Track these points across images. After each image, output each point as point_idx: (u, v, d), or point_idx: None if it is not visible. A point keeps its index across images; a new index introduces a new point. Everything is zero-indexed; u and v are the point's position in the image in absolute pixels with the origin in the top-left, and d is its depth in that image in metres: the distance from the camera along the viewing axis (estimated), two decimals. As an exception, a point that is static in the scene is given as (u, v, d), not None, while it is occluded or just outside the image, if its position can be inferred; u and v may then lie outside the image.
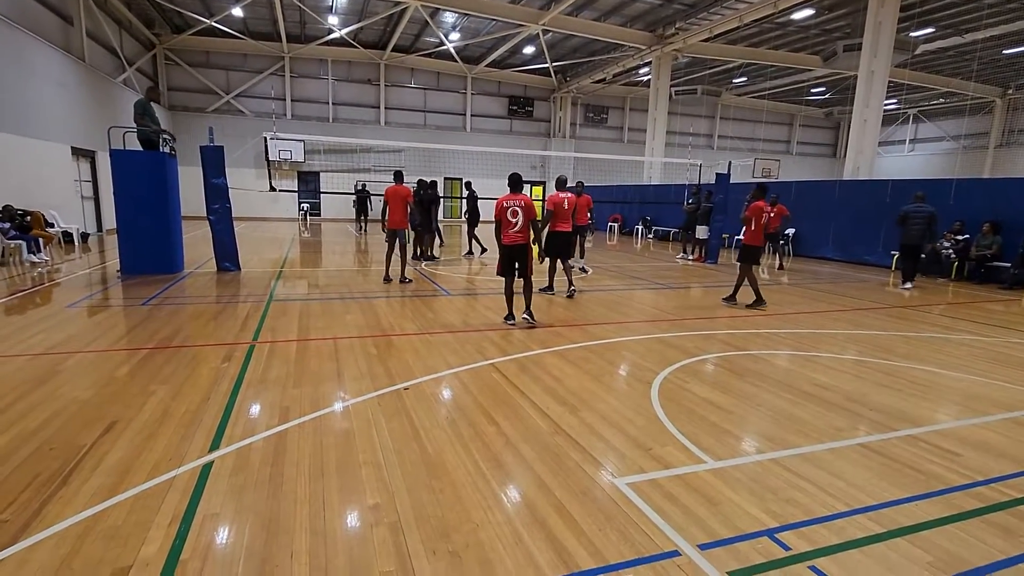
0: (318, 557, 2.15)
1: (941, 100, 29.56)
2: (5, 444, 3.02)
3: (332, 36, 23.11)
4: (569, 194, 7.67)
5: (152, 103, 9.04)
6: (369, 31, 23.42)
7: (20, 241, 9.90)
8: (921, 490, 2.77)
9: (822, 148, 36.49)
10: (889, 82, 14.80)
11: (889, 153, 33.74)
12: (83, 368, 4.33)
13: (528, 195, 6.13)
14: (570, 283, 8.00)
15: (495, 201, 6.05)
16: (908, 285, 9.85)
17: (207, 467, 2.81)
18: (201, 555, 2.15)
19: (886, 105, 16.08)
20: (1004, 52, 22.02)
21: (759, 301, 7.53)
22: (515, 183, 6.10)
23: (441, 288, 8.62)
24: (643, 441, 3.28)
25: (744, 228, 7.53)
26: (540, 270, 7.72)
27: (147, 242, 8.86)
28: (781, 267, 12.40)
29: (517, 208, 5.87)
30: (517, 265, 6.01)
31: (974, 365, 5.12)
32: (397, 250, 8.66)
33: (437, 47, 24.60)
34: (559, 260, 7.86)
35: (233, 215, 9.75)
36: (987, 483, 2.87)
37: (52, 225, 12.13)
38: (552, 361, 4.88)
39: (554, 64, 25.72)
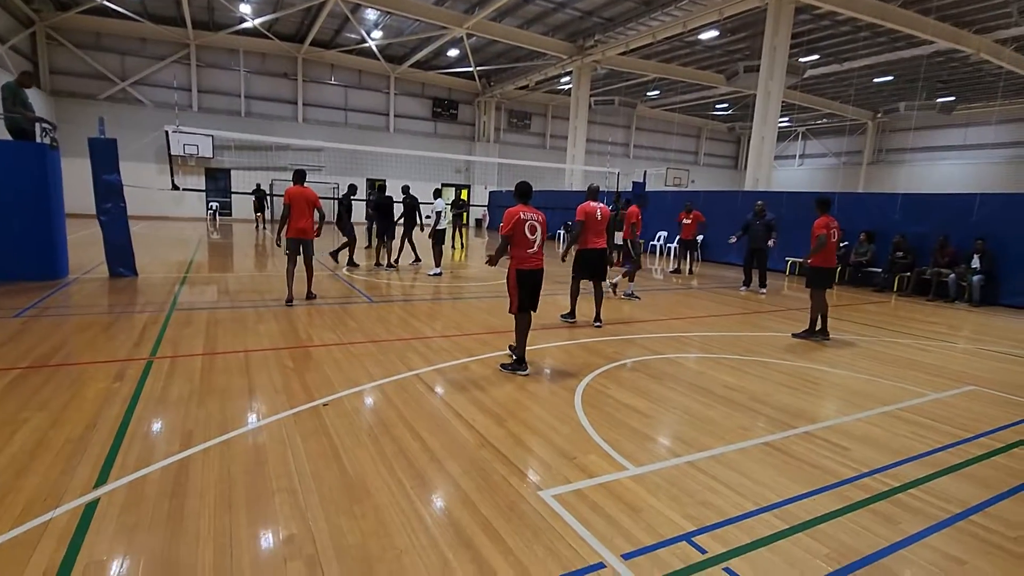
0: (225, 599, 1.98)
1: (824, 120, 32.77)
2: None
3: (244, 25, 21.75)
4: (601, 204, 6.68)
5: (24, 88, 8.04)
6: (285, 22, 22.30)
7: None
8: (817, 484, 3.02)
9: (725, 160, 39.27)
10: (783, 102, 16.19)
11: (783, 166, 36.89)
12: (-64, 394, 3.74)
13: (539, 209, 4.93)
14: (598, 315, 6.87)
15: (504, 212, 4.79)
16: (762, 291, 10.28)
17: (91, 506, 2.51)
18: (85, 609, 1.91)
19: (780, 123, 17.67)
20: (875, 80, 24.79)
21: (824, 332, 6.60)
22: (525, 193, 4.86)
23: (364, 294, 8.33)
24: (568, 450, 3.33)
25: (813, 247, 6.41)
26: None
27: (22, 244, 7.86)
28: (691, 271, 13.16)
29: (536, 223, 4.73)
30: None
31: (856, 363, 5.69)
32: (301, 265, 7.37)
33: (359, 44, 23.87)
34: (593, 283, 6.82)
35: (130, 214, 8.91)
36: (871, 474, 3.18)
37: None
38: (477, 370, 4.85)
39: (478, 68, 25.81)
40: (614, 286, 9.34)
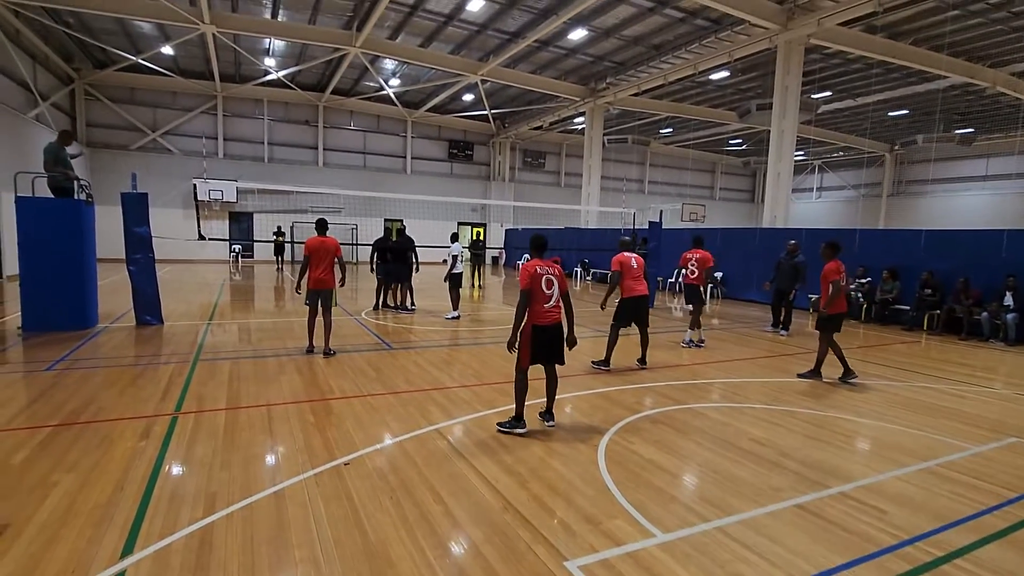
0: None
1: (841, 153, 32.77)
2: None
3: (269, 77, 22.77)
4: (636, 254, 6.93)
5: (65, 147, 8.47)
6: (307, 73, 23.29)
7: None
8: (856, 554, 2.90)
9: (742, 194, 39.28)
10: (797, 137, 16.28)
11: (800, 199, 36.78)
12: (-30, 455, 3.83)
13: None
14: (644, 357, 7.16)
15: (521, 267, 4.73)
16: (784, 332, 10.05)
17: (119, 579, 2.51)
18: None
19: (796, 156, 17.76)
20: (889, 114, 24.84)
21: (849, 371, 6.58)
22: (541, 247, 4.79)
23: (382, 340, 8.39)
24: (593, 514, 3.26)
25: (826, 295, 6.45)
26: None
27: (56, 295, 8.13)
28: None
29: (552, 278, 4.62)
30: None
31: (889, 412, 5.51)
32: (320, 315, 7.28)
33: (377, 91, 24.77)
34: (639, 328, 7.00)
35: (157, 259, 9.20)
36: (912, 541, 3.04)
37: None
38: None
39: (493, 111, 26.51)
40: (694, 342, 8.70)
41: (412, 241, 11.32)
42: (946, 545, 3.02)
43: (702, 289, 8.86)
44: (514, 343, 4.59)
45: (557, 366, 4.77)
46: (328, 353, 7.22)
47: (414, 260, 11.25)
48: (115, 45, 19.44)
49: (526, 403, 4.65)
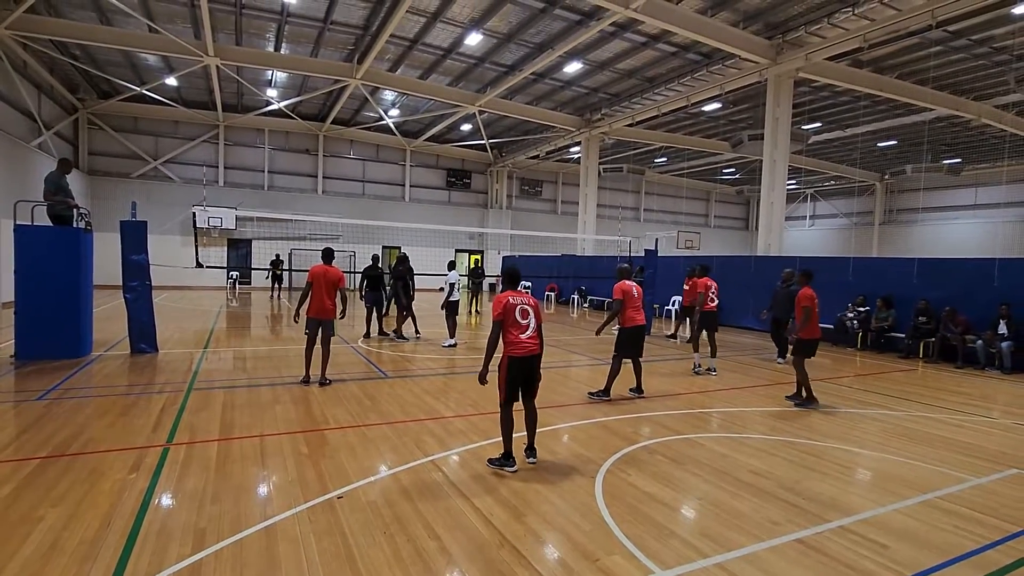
0: None
1: (832, 182, 33.28)
2: None
3: (270, 107, 23.15)
4: (635, 284, 6.94)
5: (65, 176, 8.54)
6: (308, 104, 23.70)
7: None
8: (857, 591, 2.84)
9: (736, 221, 39.71)
10: (789, 166, 16.57)
11: (793, 227, 37.16)
12: (-45, 488, 3.75)
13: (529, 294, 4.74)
14: (639, 384, 7.11)
15: (492, 300, 4.65)
16: (780, 360, 10.11)
17: (103, 620, 2.44)
18: None
19: (788, 185, 18.06)
20: (878, 144, 25.35)
21: (811, 399, 6.79)
22: (514, 279, 4.68)
23: (378, 369, 8.34)
24: (590, 550, 3.20)
25: (799, 320, 6.68)
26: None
27: (50, 323, 8.08)
28: (689, 340, 12.94)
29: (527, 308, 4.49)
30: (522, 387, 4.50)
31: (889, 443, 5.47)
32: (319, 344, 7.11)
33: (377, 121, 25.18)
34: (633, 360, 7.01)
35: (154, 286, 9.16)
36: (915, 578, 2.99)
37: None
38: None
39: (490, 141, 26.96)
40: (709, 370, 8.88)
41: (412, 271, 11.45)
42: (950, 582, 2.97)
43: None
44: (485, 375, 4.48)
45: (541, 397, 4.72)
46: (324, 382, 7.13)
47: (411, 287, 11.37)
48: (120, 76, 19.81)
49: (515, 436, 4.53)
